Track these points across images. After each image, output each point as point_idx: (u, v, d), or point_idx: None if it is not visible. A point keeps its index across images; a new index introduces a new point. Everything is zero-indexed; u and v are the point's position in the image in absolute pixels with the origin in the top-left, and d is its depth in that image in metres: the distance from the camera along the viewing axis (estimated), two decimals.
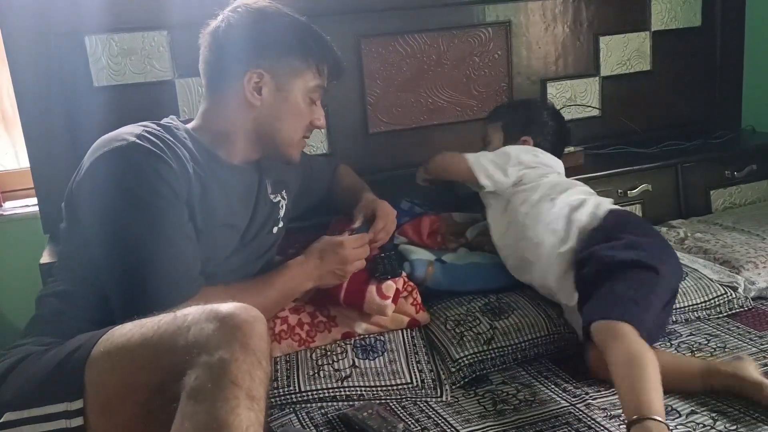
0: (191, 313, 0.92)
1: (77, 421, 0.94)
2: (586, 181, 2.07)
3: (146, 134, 1.19)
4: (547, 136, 1.84)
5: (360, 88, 2.03)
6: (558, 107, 2.19)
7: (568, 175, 2.08)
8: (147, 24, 1.78)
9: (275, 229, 1.48)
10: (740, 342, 1.50)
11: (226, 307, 0.91)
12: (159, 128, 1.24)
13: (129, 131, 1.20)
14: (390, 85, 2.07)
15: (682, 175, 2.17)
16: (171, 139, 1.23)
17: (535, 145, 1.80)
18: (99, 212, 1.16)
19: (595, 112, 2.31)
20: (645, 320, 1.31)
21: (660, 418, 1.12)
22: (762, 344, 1.49)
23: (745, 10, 2.41)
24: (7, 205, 1.95)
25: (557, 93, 2.26)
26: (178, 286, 1.17)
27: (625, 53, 2.32)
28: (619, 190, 2.07)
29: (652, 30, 2.34)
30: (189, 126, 1.33)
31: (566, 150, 2.12)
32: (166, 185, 1.17)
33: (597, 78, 2.30)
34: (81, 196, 1.19)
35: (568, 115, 2.20)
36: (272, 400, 1.40)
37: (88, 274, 1.19)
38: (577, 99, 2.28)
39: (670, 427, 1.15)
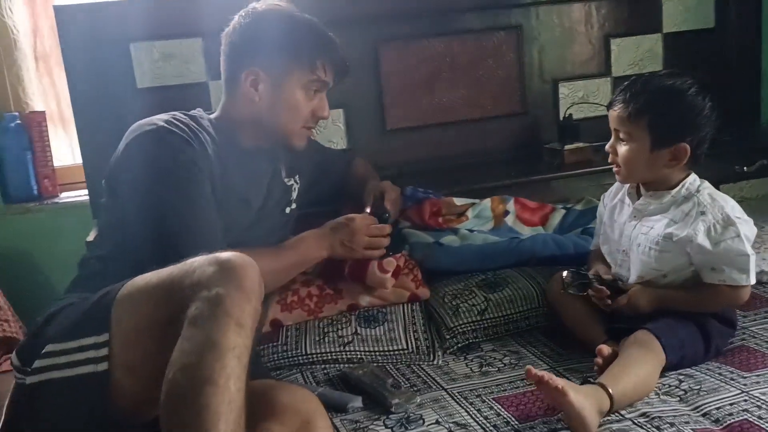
0: (197, 260, 1.09)
1: (103, 351, 1.11)
2: (594, 175, 2.18)
3: (173, 120, 1.39)
4: (705, 139, 1.45)
5: (378, 88, 2.19)
6: (568, 106, 2.32)
7: (575, 168, 2.19)
8: (184, 32, 2.00)
9: (288, 210, 1.64)
10: None
11: (225, 254, 1.08)
12: (185, 116, 1.43)
13: (159, 117, 1.40)
14: (406, 86, 2.22)
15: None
16: (195, 125, 1.41)
17: (693, 155, 1.44)
18: (134, 186, 1.35)
19: (604, 110, 2.39)
20: (679, 359, 1.38)
21: (615, 399, 1.22)
22: (744, 322, 1.57)
23: (762, 11, 2.45)
24: (63, 195, 2.19)
25: (569, 93, 2.37)
26: (206, 248, 1.34)
27: (637, 54, 2.40)
28: None
29: (664, 32, 2.42)
30: (212, 116, 1.52)
31: (576, 145, 2.24)
32: (190, 161, 1.35)
33: (609, 78, 2.40)
34: (118, 173, 1.38)
35: (579, 113, 2.30)
36: (281, 361, 1.57)
37: (124, 240, 1.37)
38: (588, 98, 2.38)
39: (613, 411, 1.24)
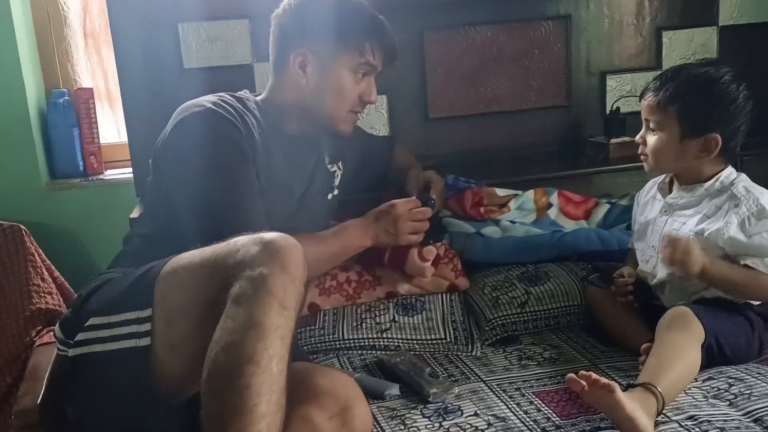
0: (241, 239, 1.09)
1: (146, 327, 1.12)
2: (640, 170, 2.10)
3: (221, 102, 1.39)
4: (739, 130, 1.40)
5: (422, 75, 2.16)
6: (615, 99, 2.27)
7: (620, 163, 2.14)
8: (232, 13, 2.00)
9: (330, 196, 1.63)
10: None
11: (270, 234, 1.07)
12: (232, 98, 1.43)
13: (207, 99, 1.40)
14: (451, 75, 2.19)
15: (741, 168, 2.15)
16: (242, 108, 1.41)
17: (725, 146, 1.39)
18: (180, 167, 1.36)
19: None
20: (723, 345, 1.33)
21: (664, 396, 1.17)
22: None
23: None
24: (108, 172, 2.22)
25: (617, 86, 2.31)
26: (249, 232, 1.34)
27: (689, 48, 2.33)
28: None
29: (720, 25, 2.34)
30: (258, 99, 1.52)
31: (622, 139, 2.18)
32: (236, 145, 1.35)
33: (659, 72, 2.32)
34: (165, 153, 1.39)
35: (627, 107, 2.25)
36: (318, 345, 1.56)
37: (169, 220, 1.37)
38: (636, 92, 2.31)
39: (663, 411, 1.18)
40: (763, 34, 2.36)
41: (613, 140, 2.15)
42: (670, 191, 1.49)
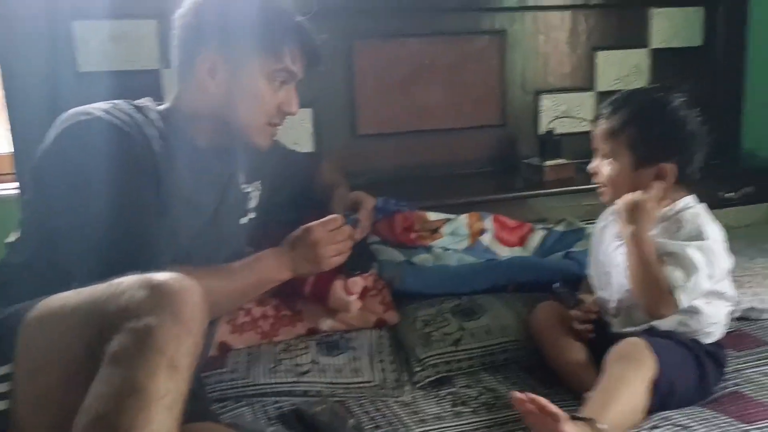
0: (126, 280, 0.90)
1: (3, 387, 0.91)
2: (576, 194, 2.05)
3: (113, 110, 1.19)
4: (694, 158, 1.34)
5: (350, 88, 2.03)
6: (550, 119, 2.19)
7: (556, 186, 2.06)
8: (137, 12, 1.80)
9: (243, 220, 1.46)
10: None
11: (161, 275, 0.89)
12: (130, 106, 1.23)
13: (96, 106, 1.20)
14: (381, 88, 2.06)
15: None
16: (140, 116, 1.22)
17: (681, 174, 1.34)
18: (62, 183, 1.15)
19: (589, 127, 2.28)
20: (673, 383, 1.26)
21: (600, 426, 1.11)
22: (737, 364, 1.45)
23: (748, 32, 2.38)
24: None
25: (552, 105, 2.24)
26: (143, 258, 1.15)
27: (622, 69, 2.30)
28: None
29: (652, 47, 2.32)
30: (162, 107, 1.33)
31: (557, 161, 2.11)
32: (128, 157, 1.16)
33: (592, 93, 2.28)
34: (44, 168, 1.18)
35: (561, 128, 2.18)
36: (227, 391, 1.38)
37: (48, 246, 1.17)
38: (571, 112, 2.26)
39: None
40: (691, 58, 2.36)
41: (548, 162, 2.08)
42: None
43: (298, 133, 1.99)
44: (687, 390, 1.29)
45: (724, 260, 1.33)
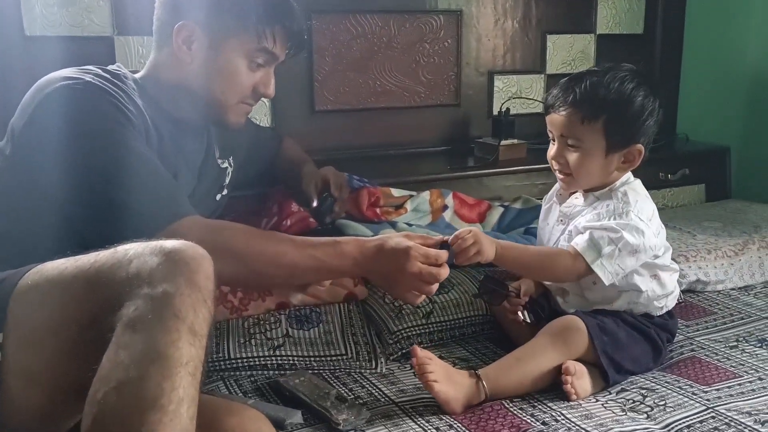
0: (133, 247, 0.87)
1: None
2: (526, 173, 2.11)
3: (99, 78, 1.13)
4: (652, 139, 1.38)
5: (308, 64, 2.00)
6: (502, 100, 2.23)
7: (509, 165, 2.11)
8: None
9: (219, 196, 1.42)
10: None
11: (172, 242, 0.86)
12: (107, 74, 1.17)
13: (77, 73, 1.13)
14: (339, 64, 2.04)
15: None
16: (121, 85, 1.16)
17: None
18: (58, 150, 1.08)
19: (540, 108, 2.34)
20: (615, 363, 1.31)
21: (489, 395, 1.23)
22: (688, 332, 1.54)
23: (685, 21, 2.50)
24: None
25: (504, 87, 2.29)
26: (163, 205, 1.10)
27: (570, 53, 2.37)
28: None
29: (597, 33, 2.40)
30: (137, 76, 1.26)
31: (511, 141, 2.15)
32: (129, 123, 1.12)
33: (542, 75, 2.34)
34: (31, 136, 1.10)
35: (513, 109, 2.22)
36: None
37: (32, 214, 1.10)
38: (522, 94, 2.31)
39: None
40: (633, 45, 2.45)
41: (503, 142, 2.12)
42: (567, 198, 1.43)
43: (256, 109, 1.92)
44: (637, 362, 1.34)
45: (652, 235, 1.32)
